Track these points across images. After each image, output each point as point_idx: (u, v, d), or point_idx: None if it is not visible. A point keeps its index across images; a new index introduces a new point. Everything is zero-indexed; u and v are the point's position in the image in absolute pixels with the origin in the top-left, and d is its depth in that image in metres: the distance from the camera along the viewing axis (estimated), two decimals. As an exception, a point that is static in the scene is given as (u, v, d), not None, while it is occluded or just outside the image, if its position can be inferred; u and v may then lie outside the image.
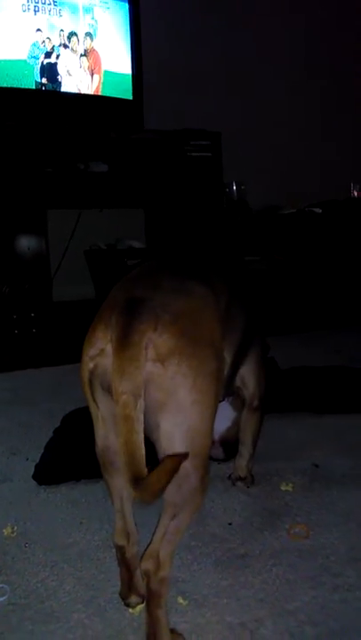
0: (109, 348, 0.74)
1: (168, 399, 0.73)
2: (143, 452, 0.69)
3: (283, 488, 1.23)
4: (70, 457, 1.31)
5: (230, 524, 1.11)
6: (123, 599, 0.88)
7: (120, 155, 2.65)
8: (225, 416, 1.21)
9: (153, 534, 0.76)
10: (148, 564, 0.75)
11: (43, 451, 1.34)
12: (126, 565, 0.87)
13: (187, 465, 0.73)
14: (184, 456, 0.71)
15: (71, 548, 1.05)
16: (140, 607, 0.87)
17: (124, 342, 0.72)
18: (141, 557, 0.77)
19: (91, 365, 0.78)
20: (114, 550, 1.01)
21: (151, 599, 0.75)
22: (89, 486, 1.27)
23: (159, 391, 0.73)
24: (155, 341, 0.73)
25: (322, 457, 1.38)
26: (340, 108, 3.74)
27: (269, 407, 1.55)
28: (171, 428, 0.74)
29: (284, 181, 3.38)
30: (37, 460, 1.32)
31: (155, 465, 0.71)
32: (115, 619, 0.86)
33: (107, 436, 0.82)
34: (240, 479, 1.25)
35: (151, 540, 0.76)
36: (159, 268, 0.90)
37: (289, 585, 0.92)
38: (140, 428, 0.70)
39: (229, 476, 1.27)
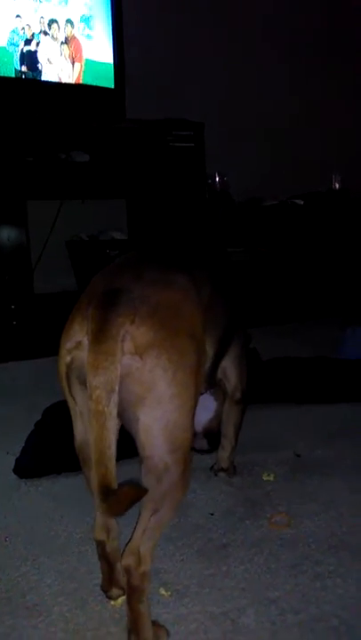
0: (86, 341, 0.72)
1: (147, 393, 0.72)
2: (113, 450, 0.68)
3: (264, 478, 1.24)
4: (51, 450, 1.30)
5: (212, 514, 1.11)
6: (104, 592, 0.88)
7: (102, 144, 2.62)
8: (207, 407, 1.21)
9: (133, 530, 0.75)
10: (128, 560, 0.74)
11: (23, 444, 1.33)
12: (106, 559, 0.87)
13: (167, 459, 0.73)
14: (145, 491, 0.71)
15: (52, 541, 1.04)
16: (122, 599, 0.87)
17: (100, 335, 0.70)
18: (122, 553, 0.76)
19: (68, 359, 0.76)
20: (94, 543, 1.02)
21: (132, 594, 0.74)
22: (70, 479, 1.26)
23: (138, 385, 0.72)
24: (132, 334, 0.71)
25: (303, 447, 1.39)
26: (323, 100, 3.74)
27: (251, 398, 1.56)
28: (150, 422, 0.72)
29: (266, 173, 3.38)
30: (18, 454, 1.30)
31: (132, 454, 0.72)
32: (96, 611, 0.86)
33: (85, 431, 0.80)
34: (222, 470, 1.26)
35: (131, 536, 0.75)
36: (139, 259, 0.88)
37: (270, 573, 0.93)
38: (111, 424, 0.68)
39: (212, 467, 1.27)
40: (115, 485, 0.67)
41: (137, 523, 0.75)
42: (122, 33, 2.72)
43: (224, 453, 1.24)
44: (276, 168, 3.42)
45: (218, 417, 1.24)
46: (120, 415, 0.73)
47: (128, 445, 0.76)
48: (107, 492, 0.66)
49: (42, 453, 1.29)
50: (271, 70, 3.53)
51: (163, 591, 0.89)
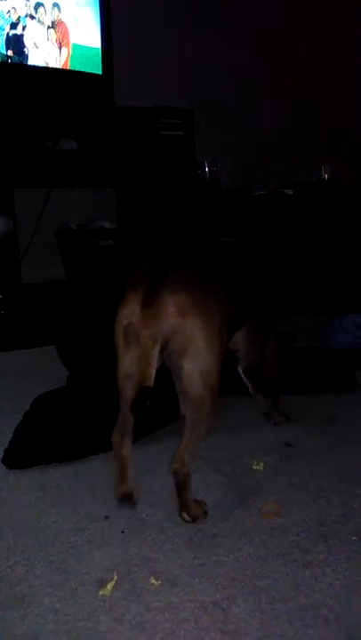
0: (137, 309, 0.99)
1: (189, 345, 0.99)
2: (153, 374, 0.97)
3: (254, 467, 1.24)
4: (41, 440, 1.29)
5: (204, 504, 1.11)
6: (115, 490, 1.08)
7: (90, 132, 2.59)
8: None
9: (179, 444, 1.02)
10: (176, 465, 1.02)
11: (12, 435, 1.31)
12: (122, 461, 1.08)
13: (202, 393, 1.01)
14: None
15: (42, 532, 1.03)
16: (111, 586, 0.87)
17: (148, 302, 0.98)
18: (171, 461, 1.04)
19: (125, 322, 1.01)
20: (85, 533, 1.01)
21: (180, 488, 1.03)
22: (60, 470, 1.25)
23: (183, 339, 0.99)
24: (175, 301, 0.98)
25: (293, 436, 1.40)
26: (313, 90, 3.73)
27: (241, 389, 1.56)
28: (191, 367, 1.00)
29: (255, 162, 3.36)
30: (6, 445, 1.29)
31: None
32: (86, 601, 0.85)
33: (129, 366, 1.02)
34: (265, 415, 1.47)
35: (177, 449, 1.02)
36: (175, 245, 1.12)
37: (260, 563, 0.93)
38: (154, 362, 0.98)
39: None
40: (151, 384, 0.97)
41: (182, 439, 1.03)
42: (110, 17, 2.68)
43: (261, 404, 1.47)
44: (266, 158, 3.41)
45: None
46: (168, 361, 1.03)
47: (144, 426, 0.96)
48: (143, 390, 0.96)
49: (31, 444, 1.28)
50: (262, 59, 3.50)
51: (153, 580, 0.89)
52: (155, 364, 0.98)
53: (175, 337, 0.99)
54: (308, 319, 2.57)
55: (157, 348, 0.98)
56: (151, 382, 0.96)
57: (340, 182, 3.30)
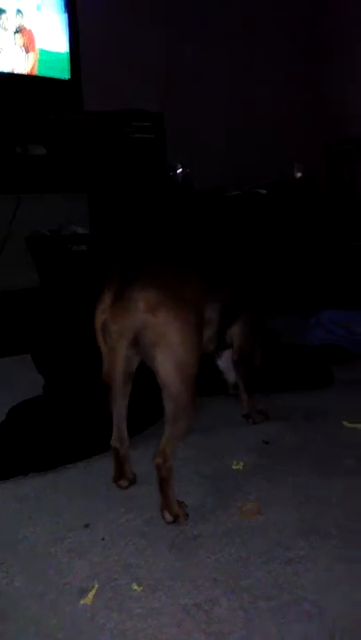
0: (109, 305, 1.03)
1: (160, 339, 1.01)
2: (119, 371, 1.05)
3: (234, 467, 1.24)
4: (17, 451, 1.27)
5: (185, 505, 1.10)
6: (115, 482, 1.17)
7: (59, 137, 2.56)
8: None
9: (159, 442, 1.03)
10: (158, 459, 1.02)
11: (-12, 446, 1.29)
12: (118, 461, 1.17)
13: (179, 387, 1.02)
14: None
15: (20, 543, 1.02)
16: (92, 595, 0.86)
17: (117, 298, 1.02)
18: (153, 457, 1.03)
19: (102, 318, 1.05)
20: (65, 542, 1.00)
21: (162, 483, 1.04)
22: (37, 480, 1.23)
23: (153, 333, 1.00)
24: (145, 296, 1.00)
25: (272, 433, 1.40)
26: (284, 89, 3.76)
27: (218, 388, 1.56)
28: (164, 360, 1.01)
29: (228, 163, 3.38)
30: (-17, 456, 1.27)
31: (153, 390, 1.03)
32: (67, 612, 0.84)
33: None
34: (246, 416, 1.48)
35: (159, 443, 1.03)
36: (150, 244, 1.14)
37: (242, 562, 0.93)
38: (120, 355, 1.04)
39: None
40: (113, 383, 1.07)
41: (163, 434, 1.04)
42: (76, 22, 2.66)
43: (244, 404, 1.48)
44: (239, 158, 3.43)
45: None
46: (144, 356, 1.05)
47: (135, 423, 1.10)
48: (107, 387, 1.06)
49: (7, 455, 1.26)
50: (231, 60, 3.52)
51: (135, 586, 0.88)
52: (122, 359, 1.03)
53: (146, 332, 1.01)
54: (285, 316, 2.58)
55: (124, 342, 1.02)
56: (117, 379, 1.04)
57: (317, 177, 3.33)
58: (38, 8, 2.56)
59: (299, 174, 3.45)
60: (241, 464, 1.25)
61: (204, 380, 1.31)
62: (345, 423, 1.43)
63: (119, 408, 1.15)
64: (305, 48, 3.88)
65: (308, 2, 3.84)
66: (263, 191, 3.14)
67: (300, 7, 3.80)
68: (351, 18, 3.73)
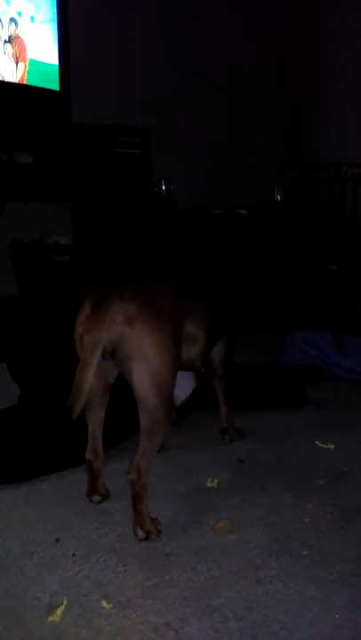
0: (87, 316, 1.01)
1: (136, 351, 0.99)
2: (86, 388, 0.99)
3: (208, 484, 1.24)
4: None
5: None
6: (88, 497, 1.16)
7: (46, 146, 2.57)
8: (188, 386, 1.42)
9: (133, 457, 1.02)
10: (133, 475, 1.01)
11: None
12: (92, 474, 1.15)
13: (154, 401, 1.01)
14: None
15: (-11, 556, 0.99)
16: (61, 611, 0.85)
17: (94, 309, 1.00)
18: (127, 472, 1.02)
19: (81, 329, 1.02)
20: (34, 557, 0.98)
21: (136, 499, 1.02)
22: (9, 491, 1.21)
23: (129, 346, 0.99)
24: (123, 308, 0.99)
25: (246, 452, 1.41)
26: (268, 114, 3.85)
27: (195, 404, 1.56)
28: (140, 373, 1.00)
29: (211, 182, 3.43)
30: None
31: (131, 403, 1.02)
32: (35, 628, 0.83)
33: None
34: (223, 432, 1.48)
35: (133, 459, 1.02)
36: (130, 258, 1.14)
37: (213, 581, 0.93)
38: (91, 370, 0.99)
39: (220, 431, 1.49)
40: (76, 408, 1.00)
41: (137, 449, 1.02)
42: (67, 35, 2.69)
43: (223, 418, 1.48)
44: (221, 178, 3.48)
45: (192, 395, 1.43)
46: (120, 369, 1.05)
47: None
48: (71, 408, 1.00)
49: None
50: (216, 82, 3.60)
51: (105, 604, 0.87)
52: (92, 371, 0.99)
53: (123, 343, 0.99)
54: (261, 337, 2.61)
55: (97, 353, 0.98)
56: (82, 397, 0.98)
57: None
58: (32, 19, 2.58)
59: (279, 197, 3.52)
60: (215, 482, 1.25)
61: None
62: (318, 443, 1.45)
63: (94, 420, 1.14)
64: (288, 73, 3.99)
65: (291, 29, 3.95)
66: (244, 211, 3.19)
67: (283, 34, 3.91)
68: (334, 44, 3.87)
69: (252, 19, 3.72)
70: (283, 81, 3.94)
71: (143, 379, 1.00)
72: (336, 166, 3.36)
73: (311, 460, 1.37)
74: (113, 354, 1.02)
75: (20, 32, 2.55)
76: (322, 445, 1.44)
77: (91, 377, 0.99)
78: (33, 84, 2.60)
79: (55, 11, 2.64)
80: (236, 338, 1.47)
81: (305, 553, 0.99)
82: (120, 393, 1.10)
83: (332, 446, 1.43)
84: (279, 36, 3.88)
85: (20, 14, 2.53)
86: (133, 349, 0.99)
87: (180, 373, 1.11)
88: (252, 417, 1.63)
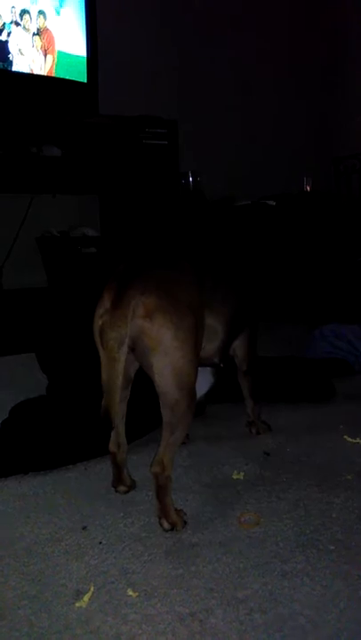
0: (108, 309, 0.99)
1: (157, 345, 0.98)
2: (119, 383, 0.97)
3: (234, 477, 1.24)
4: (18, 449, 1.27)
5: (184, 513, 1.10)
6: (113, 487, 1.17)
7: (74, 139, 2.58)
8: (206, 382, 1.42)
9: (156, 450, 1.02)
10: (156, 468, 1.01)
11: (-11, 443, 1.29)
12: (116, 466, 1.16)
13: (176, 395, 1.00)
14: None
15: (17, 542, 1.01)
16: (88, 598, 0.86)
17: (116, 303, 0.98)
18: (150, 464, 1.02)
19: (100, 322, 1.01)
20: (62, 544, 1.00)
21: (160, 492, 1.02)
22: (37, 479, 1.24)
23: (150, 339, 0.98)
24: (143, 302, 0.97)
25: (273, 445, 1.40)
26: (296, 104, 3.78)
27: (221, 397, 1.56)
28: (161, 367, 0.99)
29: (239, 173, 3.39)
30: (-17, 453, 1.27)
31: (154, 395, 1.01)
32: (62, 613, 0.84)
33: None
34: (249, 425, 1.47)
35: (156, 451, 1.02)
36: (150, 250, 1.12)
37: (239, 573, 0.92)
38: (120, 366, 0.97)
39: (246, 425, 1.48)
40: (113, 407, 0.98)
41: (160, 443, 1.02)
42: (95, 26, 2.69)
43: (249, 411, 1.47)
44: (249, 169, 3.44)
45: (211, 391, 1.43)
46: (140, 363, 1.03)
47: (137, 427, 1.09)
48: (107, 411, 0.97)
49: (8, 453, 1.26)
50: (246, 73, 3.55)
51: (130, 592, 0.88)
52: (121, 368, 0.97)
53: (143, 337, 0.98)
54: (288, 329, 2.59)
55: (124, 349, 0.96)
56: (116, 396, 0.96)
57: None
58: (57, 12, 2.59)
59: (308, 187, 3.46)
60: (242, 474, 1.24)
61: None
62: (346, 437, 1.43)
63: (117, 413, 1.13)
64: (320, 66, 3.91)
65: (319, 18, 3.87)
66: (272, 202, 3.15)
67: (312, 23, 3.83)
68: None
69: (280, 11, 3.65)
70: (314, 69, 3.86)
71: (164, 373, 0.99)
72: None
73: (339, 454, 1.35)
74: (133, 348, 1.00)
75: (49, 24, 2.56)
76: (350, 440, 1.42)
77: (120, 373, 0.97)
78: (61, 77, 2.61)
79: (83, 2, 2.65)
80: (257, 332, 1.45)
81: (332, 548, 0.98)
82: (144, 385, 1.10)
83: (360, 441, 1.41)
84: (308, 26, 3.79)
85: (49, 7, 2.54)
86: (153, 343, 0.98)
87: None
88: (279, 410, 1.61)
